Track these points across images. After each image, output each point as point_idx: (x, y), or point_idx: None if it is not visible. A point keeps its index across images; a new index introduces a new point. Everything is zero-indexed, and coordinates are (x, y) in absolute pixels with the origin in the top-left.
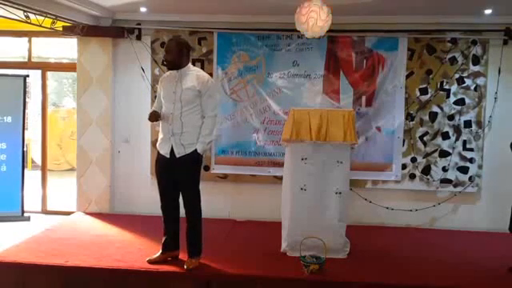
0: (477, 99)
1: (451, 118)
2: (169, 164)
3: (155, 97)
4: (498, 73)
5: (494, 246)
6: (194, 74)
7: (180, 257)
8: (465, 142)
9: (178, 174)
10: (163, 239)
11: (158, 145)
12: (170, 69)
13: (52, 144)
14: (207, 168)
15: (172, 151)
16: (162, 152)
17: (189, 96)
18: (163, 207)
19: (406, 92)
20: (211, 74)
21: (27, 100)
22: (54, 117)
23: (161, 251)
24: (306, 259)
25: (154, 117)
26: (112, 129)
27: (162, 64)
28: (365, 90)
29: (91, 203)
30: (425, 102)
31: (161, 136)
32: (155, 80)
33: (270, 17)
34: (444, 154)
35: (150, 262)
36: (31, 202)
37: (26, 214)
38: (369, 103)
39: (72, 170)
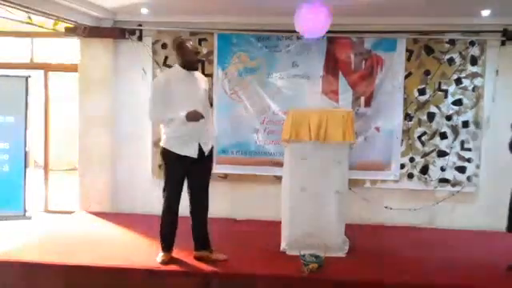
0: (475, 100)
1: (449, 118)
2: (195, 164)
3: None
4: (495, 73)
5: (492, 244)
6: (200, 74)
7: (179, 255)
8: (463, 142)
9: (202, 172)
10: (171, 239)
11: (174, 147)
12: (193, 70)
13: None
14: None
15: (200, 150)
16: (186, 153)
17: (205, 96)
18: (176, 208)
19: (404, 92)
20: (211, 75)
21: (29, 100)
22: (56, 117)
23: (168, 251)
24: (306, 258)
25: (200, 115)
26: (113, 129)
27: (193, 67)
28: (364, 91)
29: (93, 203)
30: (423, 103)
31: (184, 138)
32: None
33: (269, 18)
34: (442, 153)
35: (165, 262)
36: (33, 201)
37: (28, 214)
38: (367, 103)
39: (74, 169)
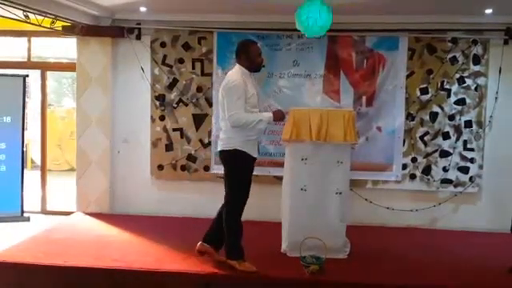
0: (477, 99)
1: (452, 117)
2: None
3: (155, 97)
4: (498, 72)
5: (494, 246)
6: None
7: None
8: (465, 142)
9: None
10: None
11: (250, 149)
12: (257, 71)
13: (51, 144)
14: (207, 168)
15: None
16: (254, 154)
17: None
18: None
19: (406, 92)
20: (211, 74)
21: (27, 100)
22: (54, 117)
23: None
24: (307, 259)
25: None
26: (112, 129)
27: (258, 69)
28: (365, 90)
29: (91, 203)
30: (425, 102)
31: (256, 140)
32: (155, 80)
33: (270, 16)
34: (444, 154)
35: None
36: (31, 202)
37: (25, 215)
38: (369, 103)
39: (72, 170)
